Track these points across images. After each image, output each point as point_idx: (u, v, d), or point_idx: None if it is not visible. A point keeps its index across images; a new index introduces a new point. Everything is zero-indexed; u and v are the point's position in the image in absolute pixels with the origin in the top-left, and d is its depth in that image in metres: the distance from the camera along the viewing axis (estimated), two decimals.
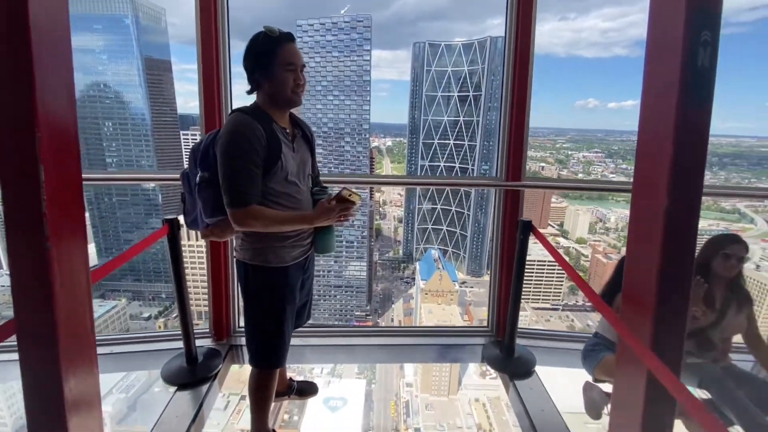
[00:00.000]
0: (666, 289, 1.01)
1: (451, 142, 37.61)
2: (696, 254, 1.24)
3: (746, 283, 1.72)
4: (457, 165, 37.35)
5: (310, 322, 1.68)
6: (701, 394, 1.63)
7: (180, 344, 2.06)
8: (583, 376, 1.89)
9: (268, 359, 1.46)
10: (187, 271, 2.05)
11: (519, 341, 2.24)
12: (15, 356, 0.85)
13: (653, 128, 1.02)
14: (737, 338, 1.78)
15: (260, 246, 1.34)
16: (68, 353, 0.87)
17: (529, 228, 2.07)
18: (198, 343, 2.15)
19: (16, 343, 0.86)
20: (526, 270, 2.14)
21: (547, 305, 29.68)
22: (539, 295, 29.49)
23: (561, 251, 1.87)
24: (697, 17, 0.87)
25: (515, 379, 2.09)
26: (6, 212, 0.80)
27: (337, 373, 2.39)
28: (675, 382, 0.93)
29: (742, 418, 1.50)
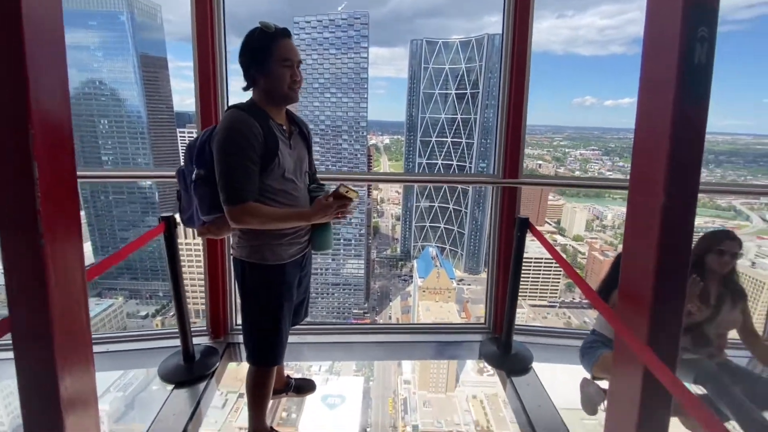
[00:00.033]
0: (662, 285, 1.02)
1: (449, 139, 37.62)
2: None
3: (740, 278, 1.74)
4: (454, 163, 37.38)
5: (307, 319, 1.68)
6: (697, 389, 1.65)
7: (177, 342, 2.06)
8: (580, 372, 1.90)
9: (265, 357, 1.46)
10: (184, 269, 2.04)
11: (516, 338, 2.25)
12: (11, 354, 0.85)
13: (650, 124, 1.02)
14: (733, 334, 1.80)
15: (257, 243, 1.33)
16: (64, 351, 0.87)
17: (526, 225, 2.07)
18: (195, 341, 2.14)
19: (11, 341, 0.85)
20: (523, 267, 2.15)
21: (544, 302, 29.82)
22: (536, 293, 29.63)
23: (558, 249, 1.87)
24: (694, 13, 0.87)
25: (512, 375, 2.10)
26: (0, 209, 0.79)
27: (335, 370, 2.39)
28: (671, 377, 0.93)
29: (738, 414, 1.51)
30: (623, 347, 1.16)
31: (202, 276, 2.30)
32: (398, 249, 39.34)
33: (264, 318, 1.41)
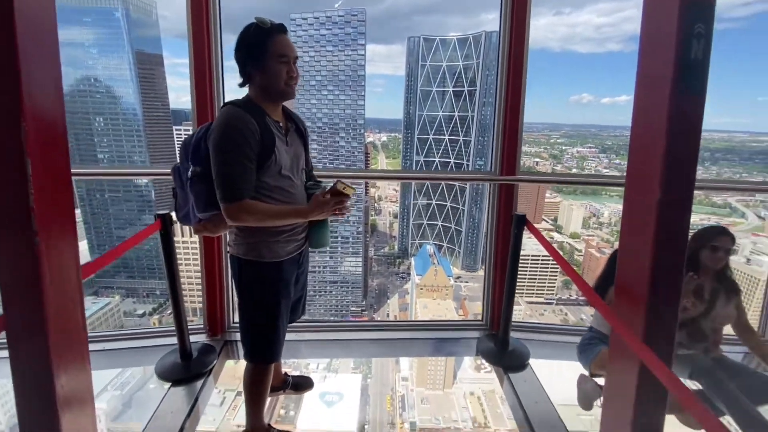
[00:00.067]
0: (658, 281, 1.02)
1: (446, 137, 37.61)
2: None
3: (733, 273, 1.75)
4: (452, 160, 37.38)
5: (305, 317, 1.68)
6: (692, 385, 1.66)
7: (174, 340, 2.05)
8: (576, 368, 1.91)
9: (262, 354, 1.46)
10: (181, 267, 2.04)
11: (513, 334, 2.25)
12: (6, 353, 0.84)
13: (647, 120, 1.03)
14: (728, 330, 1.81)
15: (254, 241, 1.33)
16: (59, 349, 0.86)
17: (523, 222, 2.08)
18: (192, 338, 2.14)
19: (5, 339, 0.85)
20: (520, 264, 2.15)
21: (541, 299, 29.94)
22: (533, 290, 29.74)
23: (555, 246, 1.88)
24: (690, 10, 0.87)
25: (509, 372, 2.10)
26: None
27: (333, 368, 2.40)
28: (667, 372, 0.94)
29: (733, 409, 1.52)
30: (619, 343, 1.16)
31: (199, 274, 2.29)
32: (396, 247, 39.35)
33: (261, 315, 1.41)
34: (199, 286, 2.30)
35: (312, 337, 2.39)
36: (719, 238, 1.69)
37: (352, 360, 2.50)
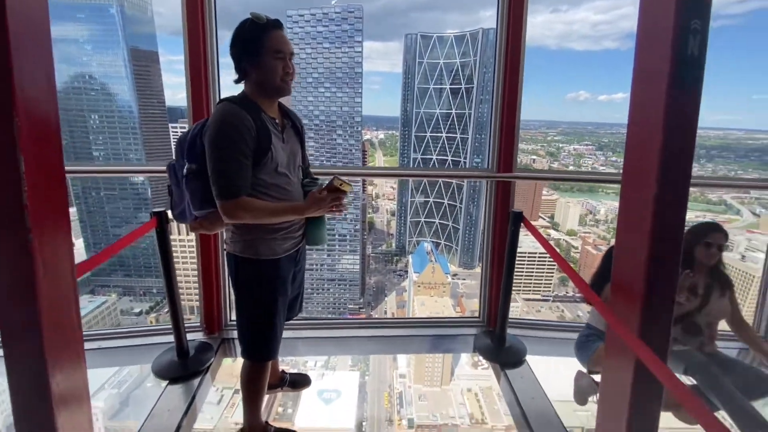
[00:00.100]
0: (654, 278, 1.03)
1: (443, 135, 37.63)
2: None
3: (726, 268, 1.77)
4: (449, 158, 37.43)
5: (303, 315, 1.68)
6: (687, 380, 1.67)
7: (171, 338, 2.05)
8: (572, 364, 1.92)
9: (260, 351, 1.45)
10: (177, 265, 2.03)
11: (510, 331, 2.26)
12: (0, 352, 0.84)
13: (643, 115, 1.03)
14: (723, 326, 1.83)
15: (251, 238, 1.32)
16: (54, 347, 0.86)
17: (520, 219, 2.08)
18: (189, 337, 2.14)
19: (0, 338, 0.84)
20: (517, 261, 2.16)
21: (538, 296, 30.11)
22: (530, 286, 29.90)
23: (551, 243, 1.89)
24: (687, 5, 0.87)
25: (506, 368, 2.11)
26: None
27: (331, 365, 2.40)
28: (662, 368, 0.94)
29: (727, 404, 1.53)
30: (615, 339, 1.17)
31: (196, 272, 2.28)
32: (393, 244, 39.42)
33: (258, 313, 1.40)
34: (196, 284, 2.29)
35: (310, 335, 2.39)
36: (712, 235, 1.70)
37: (350, 357, 2.50)
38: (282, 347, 1.52)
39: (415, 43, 38.47)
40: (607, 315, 1.21)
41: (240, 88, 1.30)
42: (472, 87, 36.35)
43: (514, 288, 2.18)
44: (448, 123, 37.37)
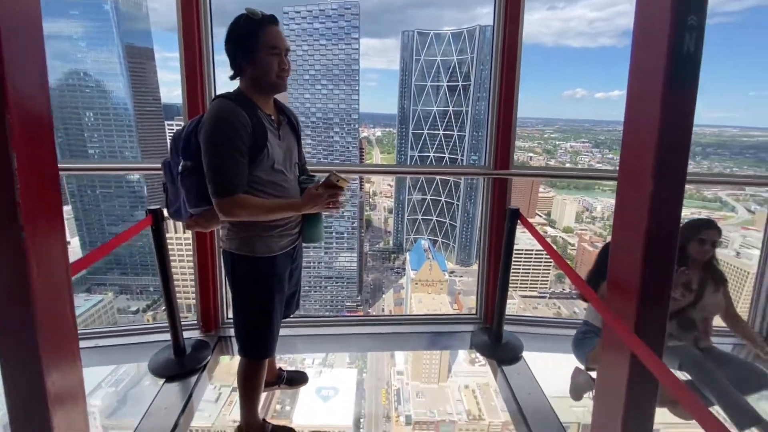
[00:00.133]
0: (650, 274, 1.03)
1: (441, 132, 37.60)
2: None
3: (719, 264, 1.78)
4: (446, 155, 37.42)
5: (301, 312, 1.67)
6: (682, 376, 1.68)
7: (168, 336, 2.04)
8: (568, 360, 1.93)
9: (256, 349, 1.45)
10: (174, 263, 2.02)
11: (507, 328, 2.27)
12: None
13: (639, 112, 1.03)
14: (718, 322, 1.84)
15: (247, 235, 1.32)
16: (49, 346, 0.85)
17: (516, 216, 2.08)
18: (186, 334, 2.13)
19: None
20: (514, 258, 2.16)
21: (535, 293, 30.24)
22: (527, 283, 30.02)
23: (548, 240, 1.89)
24: (683, 2, 0.87)
25: (503, 364, 2.12)
26: None
27: (329, 363, 2.40)
28: (658, 364, 0.95)
29: (721, 399, 1.55)
30: (611, 335, 1.18)
31: (192, 270, 2.27)
32: (391, 242, 39.44)
33: (254, 310, 1.40)
34: (193, 282, 2.29)
35: (307, 333, 2.39)
36: (706, 231, 1.71)
37: (348, 355, 2.51)
38: (279, 345, 1.52)
39: (412, 40, 38.36)
40: (603, 311, 1.22)
41: (235, 84, 1.29)
42: (470, 84, 36.33)
43: (510, 285, 2.19)
44: (446, 120, 37.34)
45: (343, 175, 1.30)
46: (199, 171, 1.22)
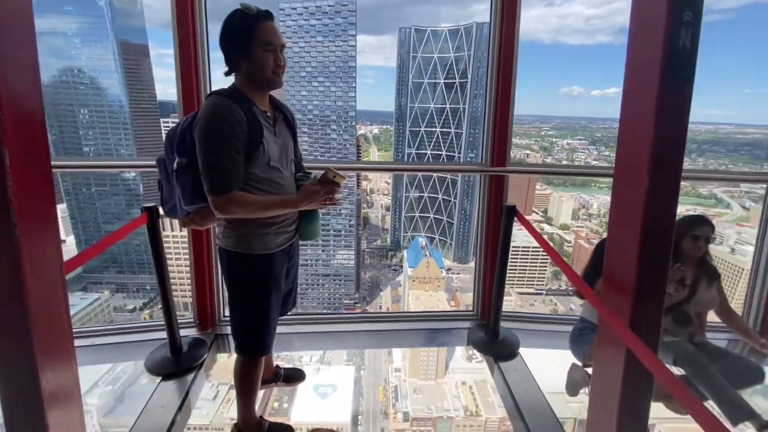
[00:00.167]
0: (646, 270, 1.04)
1: (438, 129, 37.58)
2: None
3: (713, 260, 1.79)
4: (443, 153, 37.41)
5: (298, 310, 1.67)
6: (676, 371, 1.70)
7: (165, 334, 2.03)
8: (565, 356, 1.94)
9: (253, 347, 1.45)
10: (170, 261, 2.01)
11: (503, 324, 2.28)
12: None
13: (635, 107, 1.03)
14: (713, 318, 1.86)
15: (243, 233, 1.31)
16: (43, 344, 0.85)
17: (513, 213, 2.09)
18: (183, 332, 2.12)
19: None
20: (510, 255, 2.17)
21: (531, 290, 30.36)
22: (524, 280, 30.12)
23: (545, 237, 1.90)
24: None
25: (500, 361, 2.13)
26: None
27: (326, 360, 2.41)
28: (653, 359, 0.95)
29: (715, 393, 1.56)
30: (607, 331, 1.18)
31: (189, 268, 2.26)
32: (388, 239, 39.46)
33: (251, 308, 1.40)
34: (189, 280, 2.28)
35: (305, 330, 2.39)
36: (700, 227, 1.72)
37: (345, 352, 2.51)
38: (277, 342, 1.52)
39: (409, 37, 38.24)
40: (599, 307, 1.22)
41: (231, 80, 1.28)
42: (467, 81, 36.30)
43: (507, 281, 2.19)
44: (443, 118, 37.31)
45: (340, 172, 1.29)
46: (194, 168, 1.22)
